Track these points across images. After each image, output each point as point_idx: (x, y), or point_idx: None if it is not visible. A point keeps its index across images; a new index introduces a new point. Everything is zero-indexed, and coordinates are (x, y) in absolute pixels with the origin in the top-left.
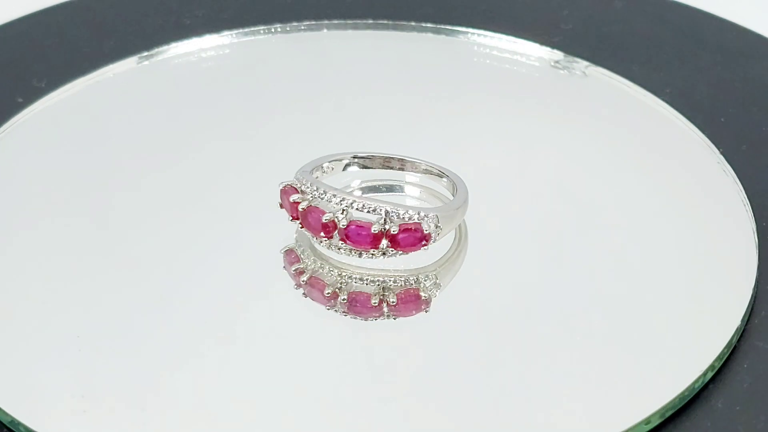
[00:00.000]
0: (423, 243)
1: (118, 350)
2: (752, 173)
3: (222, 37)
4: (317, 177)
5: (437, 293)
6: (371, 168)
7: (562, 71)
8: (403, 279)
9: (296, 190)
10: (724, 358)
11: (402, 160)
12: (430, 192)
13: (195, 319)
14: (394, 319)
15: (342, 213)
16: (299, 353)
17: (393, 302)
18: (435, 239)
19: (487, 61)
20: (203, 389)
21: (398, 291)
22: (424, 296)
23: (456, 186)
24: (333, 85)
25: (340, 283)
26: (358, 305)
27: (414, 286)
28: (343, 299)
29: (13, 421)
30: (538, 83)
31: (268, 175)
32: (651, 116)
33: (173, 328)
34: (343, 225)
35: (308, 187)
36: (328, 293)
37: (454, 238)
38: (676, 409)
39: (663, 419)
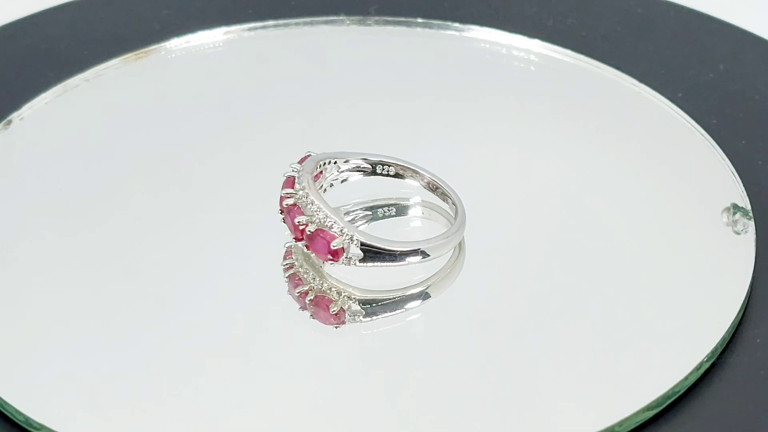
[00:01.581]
0: (329, 255)
1: (116, 354)
2: (752, 168)
3: (220, 33)
4: (323, 169)
5: (358, 320)
6: (377, 171)
7: (727, 223)
8: (327, 285)
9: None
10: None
11: (409, 169)
12: (436, 211)
13: (193, 320)
14: (312, 317)
15: (297, 196)
16: (300, 363)
17: (310, 299)
18: (356, 263)
19: (488, 57)
20: (204, 398)
21: (318, 293)
22: (333, 310)
23: (457, 213)
24: (333, 83)
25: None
26: (292, 285)
27: (331, 297)
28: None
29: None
30: (537, 80)
31: (269, 173)
32: (648, 110)
33: (170, 328)
34: (286, 204)
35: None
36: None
37: (452, 252)
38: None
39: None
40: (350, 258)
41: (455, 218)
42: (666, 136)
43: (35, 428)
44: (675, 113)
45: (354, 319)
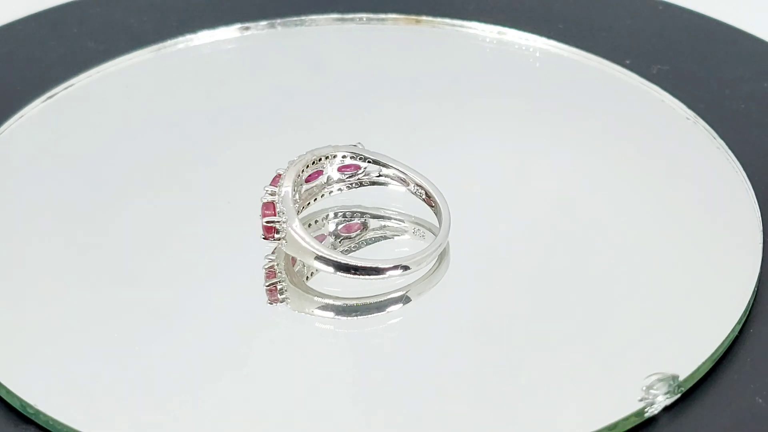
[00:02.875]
0: (269, 230)
1: (110, 349)
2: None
3: (222, 33)
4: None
5: (281, 303)
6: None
7: (642, 386)
8: (280, 261)
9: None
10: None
11: (399, 171)
12: (424, 226)
13: (192, 319)
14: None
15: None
16: (288, 364)
17: (265, 267)
18: (283, 244)
19: (493, 55)
20: (202, 403)
21: (275, 263)
22: (268, 283)
23: (440, 225)
24: (337, 82)
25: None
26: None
27: (277, 272)
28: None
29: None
30: (540, 79)
31: (269, 173)
32: (653, 107)
33: (168, 327)
34: (276, 172)
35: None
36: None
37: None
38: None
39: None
40: (280, 240)
41: (439, 230)
42: (672, 136)
43: (32, 414)
44: (682, 112)
45: (284, 302)
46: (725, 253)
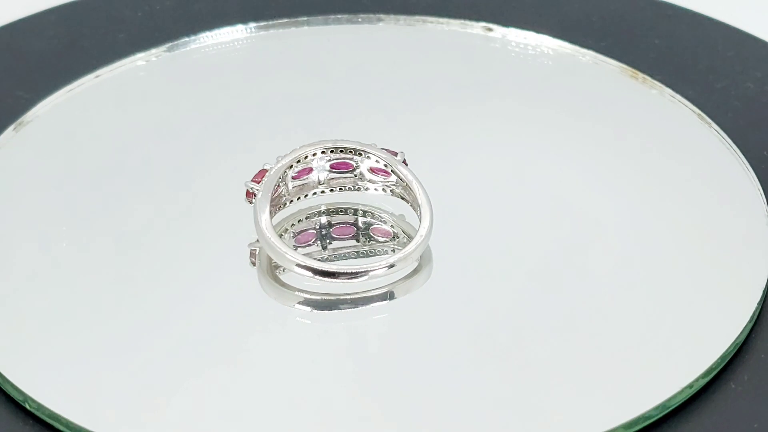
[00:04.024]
0: (248, 194)
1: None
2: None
3: (225, 33)
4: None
5: (254, 265)
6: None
7: None
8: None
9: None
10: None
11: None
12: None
13: (190, 318)
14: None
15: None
16: (290, 363)
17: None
18: (252, 212)
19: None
20: (196, 398)
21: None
22: (252, 245)
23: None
24: (341, 81)
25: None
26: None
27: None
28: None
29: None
30: (545, 78)
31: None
32: (655, 106)
33: (166, 327)
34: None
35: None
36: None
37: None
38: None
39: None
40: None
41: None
42: (682, 137)
43: (32, 406)
44: (691, 111)
45: (254, 265)
46: (732, 257)
